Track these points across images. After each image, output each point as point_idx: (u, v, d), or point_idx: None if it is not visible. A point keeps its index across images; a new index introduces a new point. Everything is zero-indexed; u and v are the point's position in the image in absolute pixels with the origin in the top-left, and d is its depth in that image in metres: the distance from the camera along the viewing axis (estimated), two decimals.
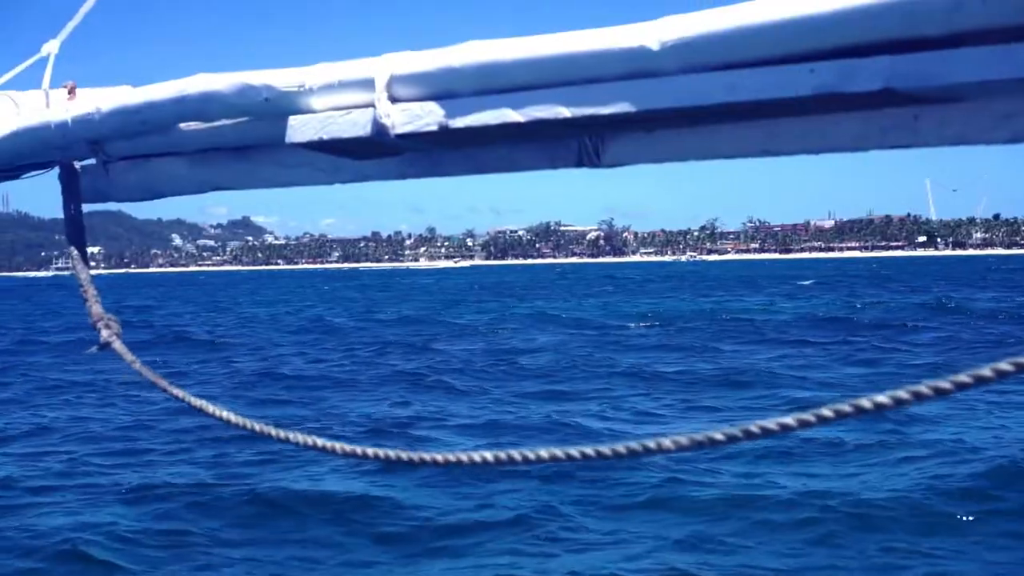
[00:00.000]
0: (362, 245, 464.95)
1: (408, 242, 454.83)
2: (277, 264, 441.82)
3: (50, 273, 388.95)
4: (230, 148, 3.54)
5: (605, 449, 2.47)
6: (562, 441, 15.29)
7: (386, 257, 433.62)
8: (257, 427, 3.11)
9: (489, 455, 2.64)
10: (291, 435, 3.04)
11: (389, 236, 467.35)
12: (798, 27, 2.31)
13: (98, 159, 3.83)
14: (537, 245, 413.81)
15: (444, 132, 2.87)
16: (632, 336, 42.09)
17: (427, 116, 2.87)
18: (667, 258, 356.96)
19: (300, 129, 3.08)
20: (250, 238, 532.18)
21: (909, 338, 37.26)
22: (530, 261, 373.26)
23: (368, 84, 2.94)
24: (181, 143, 3.57)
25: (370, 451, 2.87)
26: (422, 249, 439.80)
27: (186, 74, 3.24)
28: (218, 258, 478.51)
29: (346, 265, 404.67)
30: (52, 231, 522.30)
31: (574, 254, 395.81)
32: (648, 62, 2.52)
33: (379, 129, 2.92)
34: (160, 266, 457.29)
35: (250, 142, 3.44)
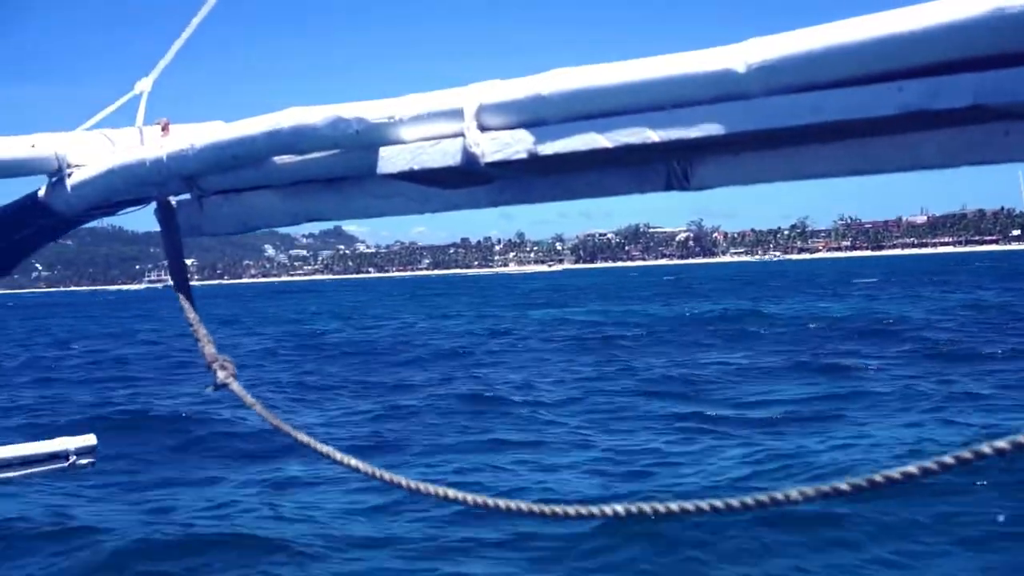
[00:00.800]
0: (451, 252, 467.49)
1: (497, 248, 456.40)
2: (368, 272, 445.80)
3: (143, 286, 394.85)
4: (322, 180, 3.58)
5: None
6: None
7: (475, 263, 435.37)
8: (387, 476, 3.11)
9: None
10: (421, 485, 3.04)
11: (478, 242, 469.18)
12: (885, 46, 2.28)
13: (192, 194, 3.89)
14: (626, 248, 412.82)
15: (533, 159, 2.87)
16: None
17: (516, 144, 2.87)
18: (753, 258, 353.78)
19: (391, 160, 3.10)
20: (342, 247, 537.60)
21: None
22: (619, 264, 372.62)
23: (457, 114, 2.96)
24: (273, 176, 3.61)
25: (511, 504, 2.86)
26: (511, 254, 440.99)
27: (276, 109, 3.28)
28: (309, 267, 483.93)
29: (436, 272, 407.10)
30: (147, 244, 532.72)
31: (663, 256, 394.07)
32: (734, 85, 2.50)
33: (469, 158, 2.93)
34: (252, 277, 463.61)
35: (341, 173, 3.47)
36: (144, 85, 4.18)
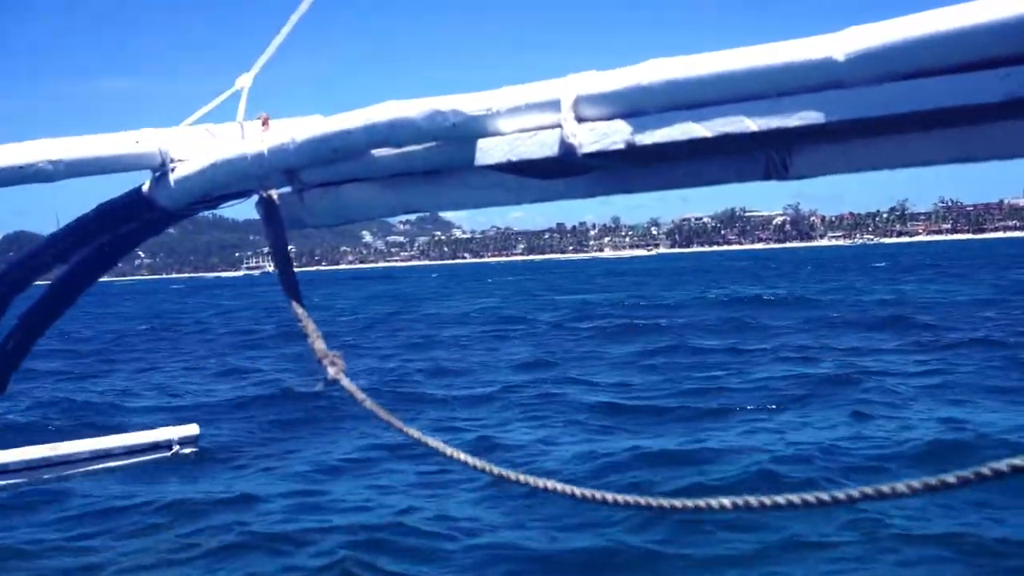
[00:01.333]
0: (546, 237, 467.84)
1: (592, 232, 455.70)
2: (464, 258, 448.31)
3: (240, 273, 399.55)
4: (419, 172, 3.61)
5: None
6: None
7: (570, 248, 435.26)
8: (495, 470, 3.13)
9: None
10: (529, 479, 3.05)
11: (573, 227, 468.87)
12: (989, 32, 2.24)
13: (293, 187, 3.95)
14: (722, 232, 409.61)
15: (631, 149, 2.86)
16: None
17: (614, 134, 2.87)
18: (846, 242, 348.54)
19: (488, 152, 3.11)
20: (438, 233, 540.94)
21: None
22: (715, 248, 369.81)
23: (554, 105, 2.96)
24: (372, 169, 3.65)
25: (619, 498, 2.87)
26: (606, 239, 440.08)
27: (373, 103, 3.32)
28: (406, 253, 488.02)
29: (531, 257, 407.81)
30: (246, 232, 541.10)
31: (759, 240, 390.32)
32: (834, 73, 2.48)
33: (566, 149, 2.93)
34: (350, 263, 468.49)
35: (439, 165, 3.49)
36: (244, 81, 4.24)
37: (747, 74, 2.61)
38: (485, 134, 3.12)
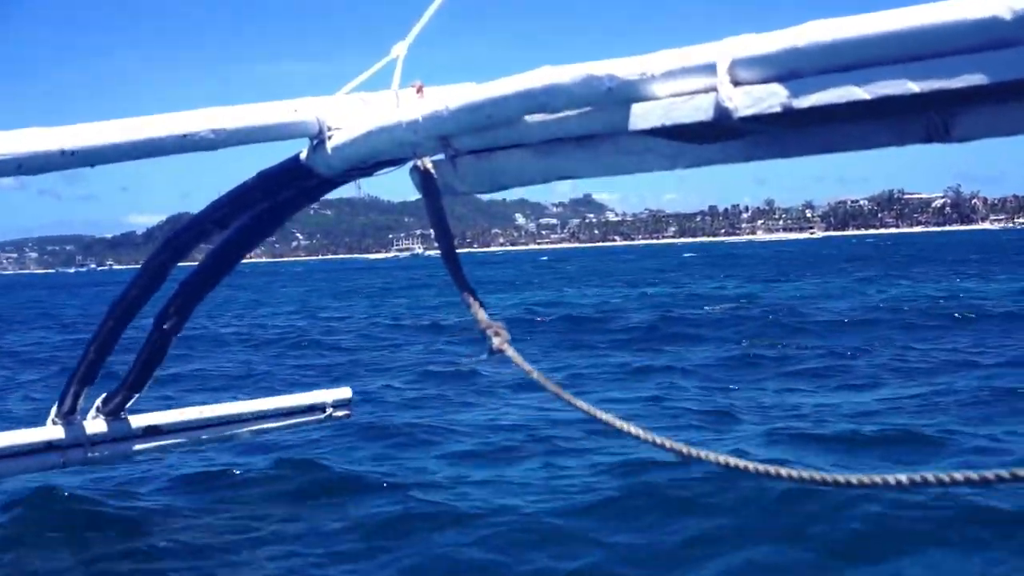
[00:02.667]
0: (698, 219, 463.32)
1: (745, 215, 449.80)
2: (614, 240, 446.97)
3: (390, 254, 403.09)
4: (573, 138, 3.62)
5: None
6: None
7: (722, 231, 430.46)
8: (667, 443, 3.14)
9: None
10: (702, 452, 3.06)
11: (725, 209, 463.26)
12: None
13: (447, 154, 4.00)
14: (879, 215, 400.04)
15: (787, 113, 2.84)
16: None
17: (770, 98, 2.85)
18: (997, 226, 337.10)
19: (643, 116, 3.11)
20: (591, 215, 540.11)
21: None
22: (872, 231, 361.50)
23: (710, 69, 2.95)
24: (525, 135, 3.67)
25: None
26: (759, 222, 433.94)
27: (520, 69, 3.33)
28: (556, 236, 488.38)
29: (680, 240, 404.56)
30: (401, 214, 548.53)
31: (918, 223, 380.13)
32: (1000, 32, 2.42)
33: (722, 113, 2.92)
34: (500, 245, 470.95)
35: (593, 131, 3.50)
36: (400, 49, 4.31)
37: (908, 34, 2.56)
38: (639, 98, 3.12)
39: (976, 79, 2.50)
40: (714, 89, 2.94)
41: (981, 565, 8.24)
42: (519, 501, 10.09)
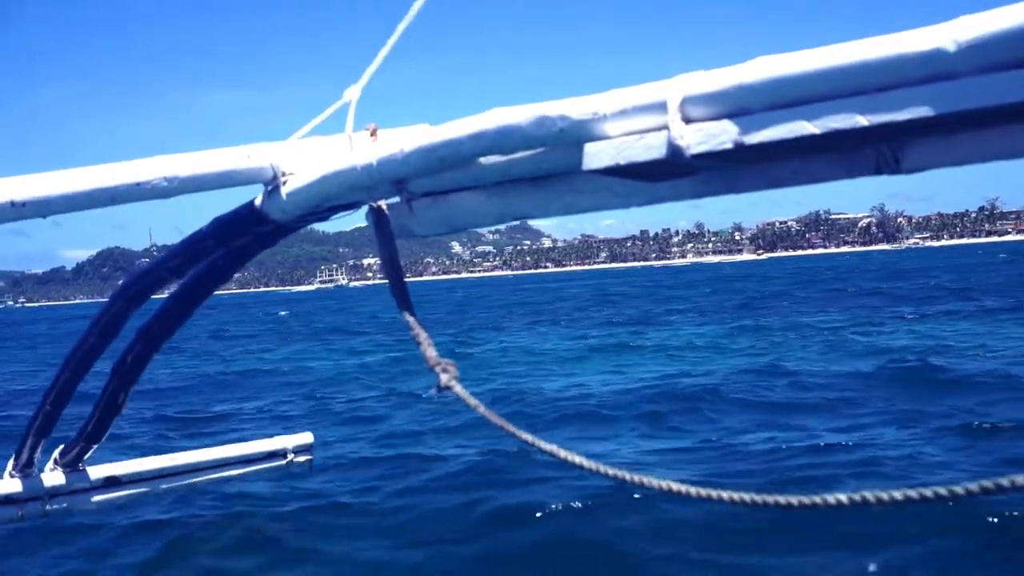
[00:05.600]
0: (628, 244, 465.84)
1: (675, 239, 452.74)
2: (546, 267, 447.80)
3: (313, 287, 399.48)
4: (527, 178, 3.63)
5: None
6: None
7: (653, 255, 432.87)
8: (611, 471, 3.15)
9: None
10: (644, 478, 3.07)
11: (656, 234, 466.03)
12: None
13: (402, 197, 4.00)
14: (807, 235, 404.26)
15: (739, 149, 2.86)
16: None
17: (722, 135, 2.87)
18: (888, 247, 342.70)
19: (596, 155, 3.13)
20: (527, 242, 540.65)
21: None
22: (799, 253, 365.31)
23: (661, 107, 2.97)
24: (479, 176, 3.69)
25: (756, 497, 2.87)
26: (689, 245, 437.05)
27: (473, 109, 3.34)
28: (488, 264, 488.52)
29: (615, 265, 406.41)
30: (336, 244, 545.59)
31: (845, 243, 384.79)
32: (945, 64, 2.46)
33: (674, 151, 2.94)
34: (433, 274, 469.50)
35: (546, 171, 3.52)
36: (352, 93, 4.31)
37: (856, 68, 2.60)
38: (592, 138, 3.14)
39: (923, 111, 2.54)
40: (665, 127, 2.96)
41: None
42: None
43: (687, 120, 2.93)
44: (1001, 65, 2.40)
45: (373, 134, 4.21)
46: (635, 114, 3.04)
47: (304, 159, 4.29)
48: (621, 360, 29.13)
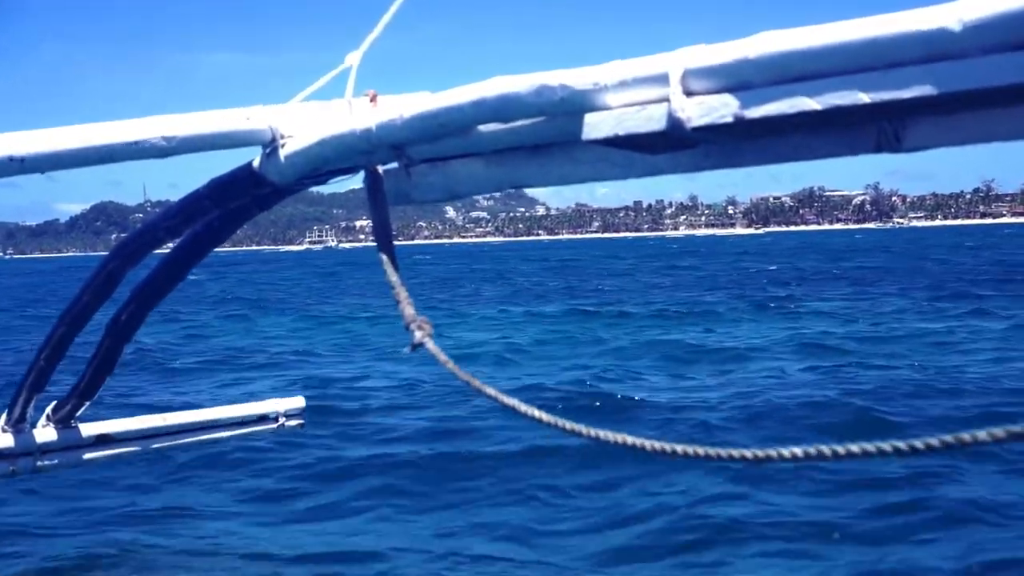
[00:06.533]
0: (621, 215, 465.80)
1: (668, 211, 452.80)
2: (538, 235, 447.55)
3: (302, 247, 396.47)
4: (526, 147, 3.64)
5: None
6: None
7: (645, 227, 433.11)
8: (568, 426, 3.17)
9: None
10: (601, 433, 3.09)
11: (649, 205, 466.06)
12: None
13: (400, 163, 4.01)
14: (800, 211, 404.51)
15: (739, 123, 2.86)
16: None
17: (722, 108, 2.87)
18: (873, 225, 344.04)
19: (596, 126, 3.13)
20: (522, 209, 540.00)
21: None
22: (793, 228, 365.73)
23: (662, 79, 2.97)
24: (478, 144, 3.69)
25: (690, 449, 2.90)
26: (682, 217, 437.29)
27: (478, 78, 3.34)
28: (481, 229, 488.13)
29: (606, 235, 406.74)
30: (330, 205, 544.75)
31: (838, 220, 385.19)
32: (949, 44, 2.46)
33: (674, 123, 2.94)
34: (425, 238, 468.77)
35: (546, 140, 3.52)
36: (353, 58, 4.31)
37: (859, 45, 2.60)
38: (592, 108, 3.14)
39: (926, 90, 2.53)
40: (666, 99, 2.96)
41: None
42: None
43: (688, 93, 2.93)
44: (1006, 46, 2.40)
45: (373, 99, 4.21)
46: (636, 85, 3.04)
47: (303, 122, 4.29)
48: None
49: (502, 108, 3.29)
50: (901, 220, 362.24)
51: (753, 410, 14.99)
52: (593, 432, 3.09)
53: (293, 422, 8.09)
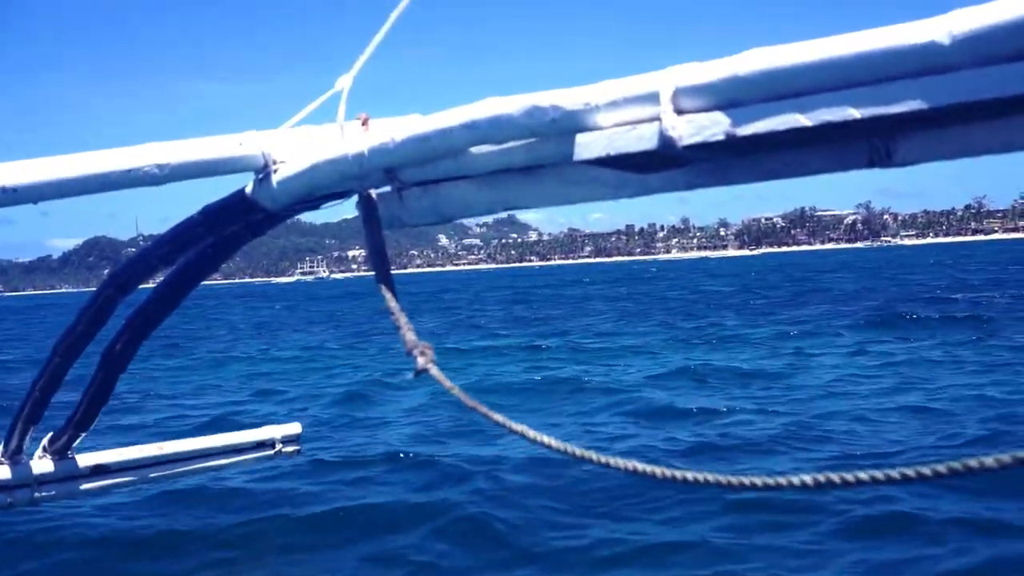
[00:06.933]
0: (613, 239, 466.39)
1: (660, 234, 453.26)
2: (531, 261, 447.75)
3: (294, 279, 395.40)
4: (518, 169, 3.64)
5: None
6: None
7: (638, 250, 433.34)
8: (578, 452, 3.16)
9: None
10: (611, 460, 3.08)
11: (641, 229, 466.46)
12: None
13: (393, 186, 4.01)
14: (792, 232, 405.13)
15: (731, 141, 2.87)
16: None
17: (713, 126, 2.88)
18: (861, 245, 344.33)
19: (588, 146, 3.13)
20: (514, 235, 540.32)
21: None
22: (785, 249, 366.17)
23: (653, 98, 2.97)
24: (471, 166, 3.69)
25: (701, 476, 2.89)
26: (674, 240, 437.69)
27: (464, 99, 3.34)
28: (473, 257, 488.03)
29: (599, 259, 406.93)
30: (322, 236, 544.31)
31: (830, 240, 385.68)
32: (939, 57, 2.46)
33: (666, 142, 2.95)
34: (418, 266, 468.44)
35: (538, 161, 3.52)
36: (344, 82, 4.31)
37: (850, 61, 2.60)
38: (584, 129, 3.14)
39: (916, 104, 2.54)
40: (657, 118, 2.97)
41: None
42: None
43: (679, 111, 2.94)
44: (995, 59, 2.41)
45: (364, 123, 4.21)
46: (627, 105, 3.04)
47: (295, 147, 4.30)
48: None
49: (493, 129, 3.30)
50: (888, 239, 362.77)
51: None
52: (603, 459, 3.09)
53: (290, 448, 8.07)
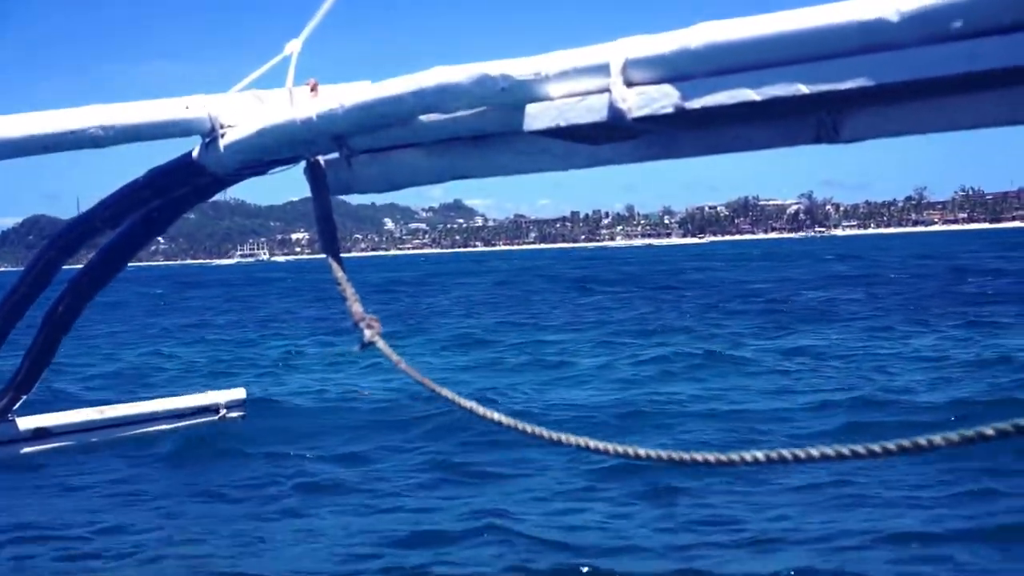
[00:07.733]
0: (558, 225, 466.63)
1: (605, 221, 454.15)
2: (475, 246, 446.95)
3: (233, 261, 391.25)
4: (467, 138, 3.63)
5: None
6: None
7: (582, 237, 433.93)
8: (528, 428, 3.17)
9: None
10: (563, 436, 3.09)
11: (586, 215, 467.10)
12: None
13: (341, 153, 3.98)
14: (735, 221, 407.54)
15: (680, 114, 2.88)
16: None
17: (663, 99, 2.89)
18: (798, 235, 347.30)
19: (537, 116, 3.13)
20: (461, 220, 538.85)
21: None
22: (728, 238, 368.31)
23: (603, 69, 2.98)
24: (420, 135, 3.68)
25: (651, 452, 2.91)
26: (619, 228, 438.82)
27: (421, 67, 3.33)
28: (418, 241, 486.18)
29: (543, 246, 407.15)
30: (267, 218, 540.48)
31: (773, 229, 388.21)
32: (887, 34, 2.48)
33: (615, 114, 2.95)
34: (362, 250, 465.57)
35: (487, 131, 3.52)
36: (293, 47, 4.27)
37: (798, 36, 2.62)
38: (534, 99, 3.14)
39: (864, 81, 2.56)
40: (607, 90, 2.97)
41: None
42: None
43: (629, 83, 2.94)
44: (943, 37, 2.42)
45: (314, 89, 4.18)
46: (577, 76, 3.04)
47: (243, 112, 4.25)
48: None
49: (443, 98, 3.29)
50: (822, 229, 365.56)
51: None
52: (555, 435, 3.10)
53: (234, 413, 7.99)
